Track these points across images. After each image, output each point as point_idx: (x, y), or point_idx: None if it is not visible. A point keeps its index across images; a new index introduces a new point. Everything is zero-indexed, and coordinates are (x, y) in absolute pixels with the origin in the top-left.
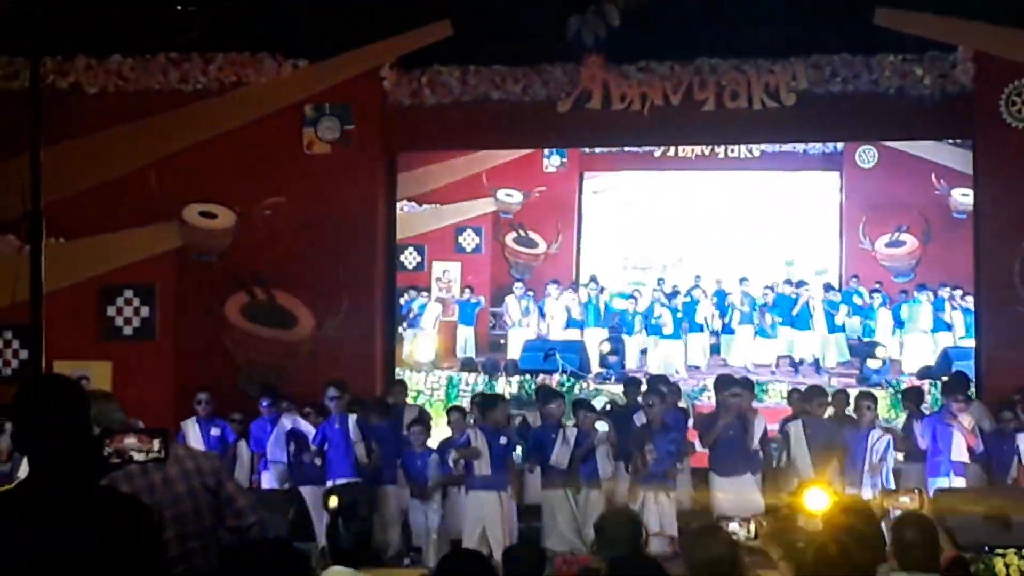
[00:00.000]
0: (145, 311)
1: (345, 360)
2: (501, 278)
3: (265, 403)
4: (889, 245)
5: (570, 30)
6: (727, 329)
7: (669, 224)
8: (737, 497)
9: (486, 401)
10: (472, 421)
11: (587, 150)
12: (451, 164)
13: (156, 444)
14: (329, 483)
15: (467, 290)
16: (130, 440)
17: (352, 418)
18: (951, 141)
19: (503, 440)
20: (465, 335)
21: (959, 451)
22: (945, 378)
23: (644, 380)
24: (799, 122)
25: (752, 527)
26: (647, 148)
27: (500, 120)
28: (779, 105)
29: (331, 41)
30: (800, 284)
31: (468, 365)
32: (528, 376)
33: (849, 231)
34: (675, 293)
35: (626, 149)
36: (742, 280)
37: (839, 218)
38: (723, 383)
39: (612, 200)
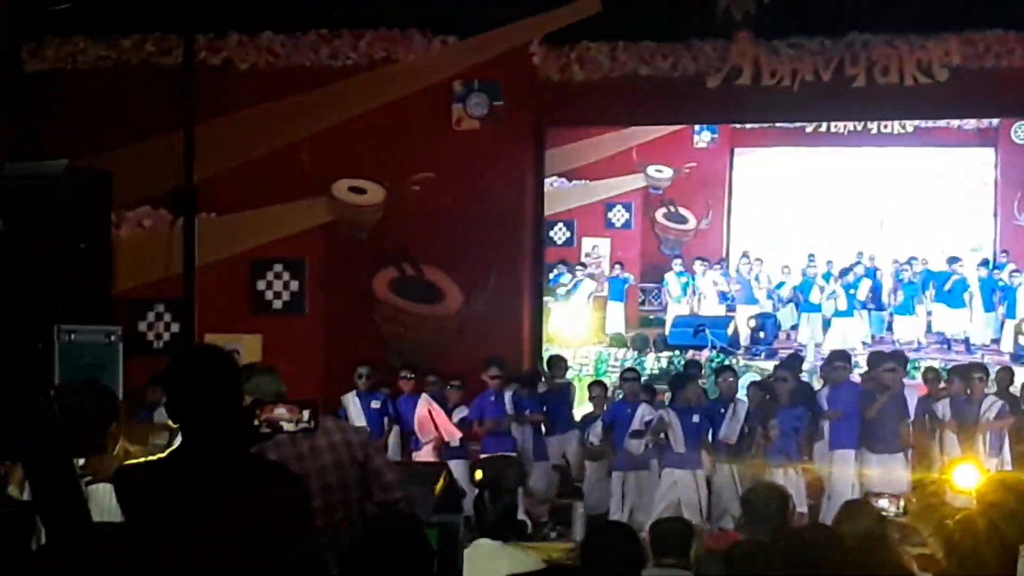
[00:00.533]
0: (295, 285)
1: (493, 335)
2: (651, 254)
3: (405, 377)
4: None
5: (720, 6)
6: (879, 306)
7: (821, 200)
8: (886, 474)
9: (677, 380)
10: (621, 396)
11: (738, 126)
12: (600, 140)
13: (306, 415)
14: (483, 456)
15: (617, 266)
16: (280, 411)
17: (508, 394)
18: None
19: (695, 418)
20: (615, 311)
21: None
22: None
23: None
24: (951, 98)
25: (901, 503)
26: (799, 124)
27: (649, 96)
28: (932, 81)
29: (480, 18)
30: (953, 261)
31: (617, 340)
32: (677, 352)
33: (1004, 208)
34: (846, 271)
35: (777, 125)
36: (911, 260)
37: (994, 194)
38: (877, 359)
39: (764, 176)
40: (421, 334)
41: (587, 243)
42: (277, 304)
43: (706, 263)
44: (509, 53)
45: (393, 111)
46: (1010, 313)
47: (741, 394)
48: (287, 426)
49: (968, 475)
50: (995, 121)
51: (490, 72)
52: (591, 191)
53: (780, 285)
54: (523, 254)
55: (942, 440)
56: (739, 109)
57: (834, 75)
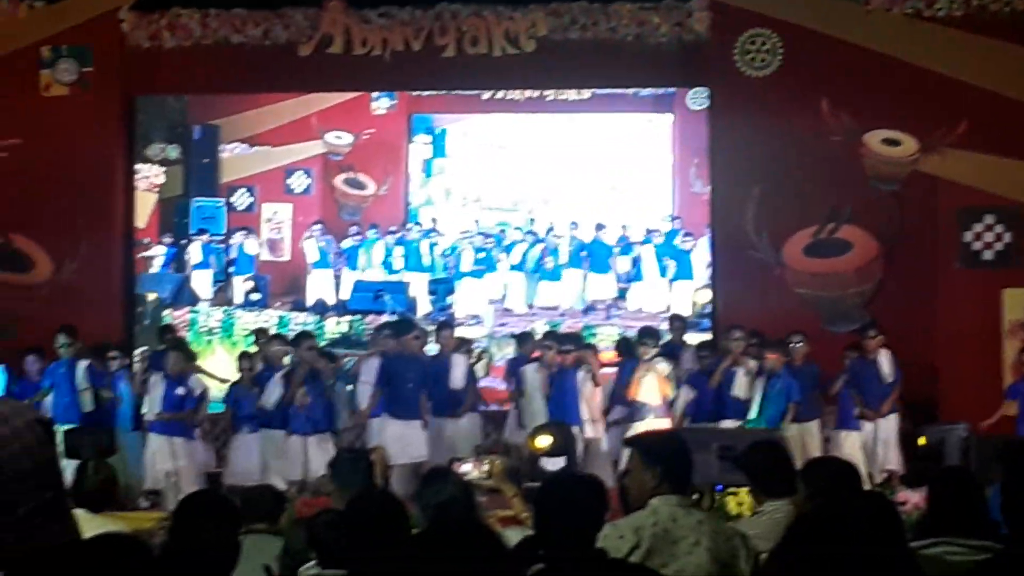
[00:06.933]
0: None
1: (83, 304)
2: (331, 220)
3: None
4: None
5: None
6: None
7: (507, 167)
8: (404, 438)
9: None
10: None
11: (414, 93)
12: (282, 106)
13: None
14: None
15: (317, 228)
16: None
17: (82, 364)
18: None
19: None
20: (320, 277)
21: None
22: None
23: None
24: (540, 69)
25: (486, 467)
26: (474, 91)
27: (241, 64)
28: (519, 51)
29: None
30: (600, 227)
31: (298, 306)
32: (359, 316)
33: (681, 174)
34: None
35: (454, 92)
36: (573, 224)
37: (671, 161)
38: (402, 327)
39: (472, 143)
40: (10, 303)
41: (268, 209)
42: None
43: (377, 230)
44: (98, 19)
45: None
46: (683, 276)
47: None
48: None
49: (544, 437)
50: (671, 88)
51: (79, 38)
52: (272, 157)
53: (454, 250)
54: (114, 222)
55: (530, 403)
56: (331, 77)
57: (424, 45)
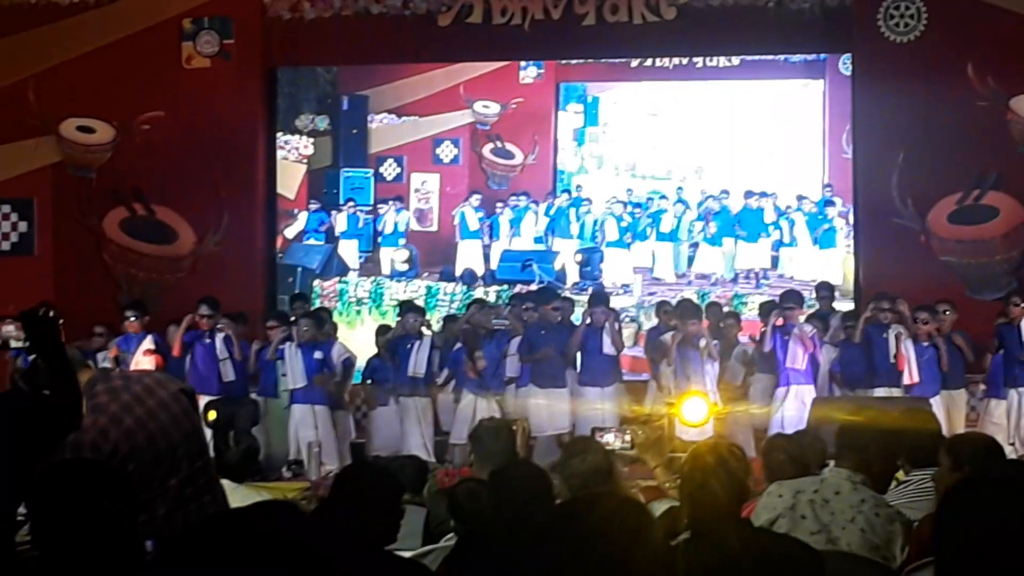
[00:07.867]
0: (23, 226)
1: (227, 275)
2: (479, 190)
3: (133, 318)
4: None
5: None
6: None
7: (674, 134)
8: (550, 407)
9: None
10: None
11: (563, 61)
12: (430, 76)
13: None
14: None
15: (474, 197)
16: (9, 328)
17: (220, 336)
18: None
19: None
20: (468, 247)
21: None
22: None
23: None
24: (680, 36)
25: (628, 437)
26: (622, 60)
27: (381, 34)
28: (660, 19)
29: None
30: (749, 195)
31: (447, 275)
32: (506, 286)
33: (832, 141)
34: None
35: (602, 60)
36: (723, 193)
37: (822, 127)
38: (544, 296)
39: (623, 111)
40: (154, 274)
41: (416, 179)
42: (5, 245)
43: (528, 198)
44: None
45: (122, 49)
46: (834, 243)
47: None
48: (14, 343)
49: (696, 409)
50: (814, 54)
51: (220, 10)
52: (420, 127)
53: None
54: (256, 193)
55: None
56: (471, 47)
57: (564, 13)
